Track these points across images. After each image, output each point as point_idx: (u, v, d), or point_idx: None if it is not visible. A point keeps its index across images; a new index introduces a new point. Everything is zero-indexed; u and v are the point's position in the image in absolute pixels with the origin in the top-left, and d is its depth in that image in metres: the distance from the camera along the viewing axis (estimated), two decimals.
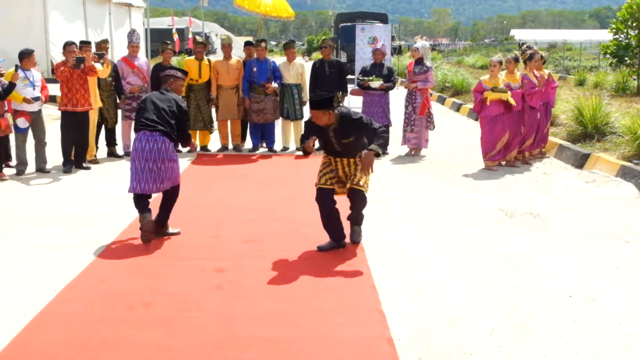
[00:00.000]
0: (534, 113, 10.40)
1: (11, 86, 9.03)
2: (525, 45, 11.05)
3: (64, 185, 9.06)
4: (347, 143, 6.10)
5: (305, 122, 6.43)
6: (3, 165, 9.48)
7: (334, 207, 6.24)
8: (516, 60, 10.33)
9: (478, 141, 10.35)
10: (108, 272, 5.65)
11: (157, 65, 11.27)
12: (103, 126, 10.88)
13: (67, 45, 9.73)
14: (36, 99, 9.40)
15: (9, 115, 9.18)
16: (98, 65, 10.05)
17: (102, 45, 10.79)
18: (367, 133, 6.03)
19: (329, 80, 11.37)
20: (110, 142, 11.11)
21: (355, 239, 6.45)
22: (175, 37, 37.06)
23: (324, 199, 6.20)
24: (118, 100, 10.92)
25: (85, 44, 10.07)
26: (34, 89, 9.43)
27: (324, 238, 6.41)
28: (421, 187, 8.98)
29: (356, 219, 6.41)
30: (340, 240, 6.32)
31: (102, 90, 10.46)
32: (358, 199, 6.22)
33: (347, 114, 6.05)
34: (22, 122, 9.36)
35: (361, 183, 6.15)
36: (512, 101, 9.75)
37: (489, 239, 6.64)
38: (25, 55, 9.47)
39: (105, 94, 10.59)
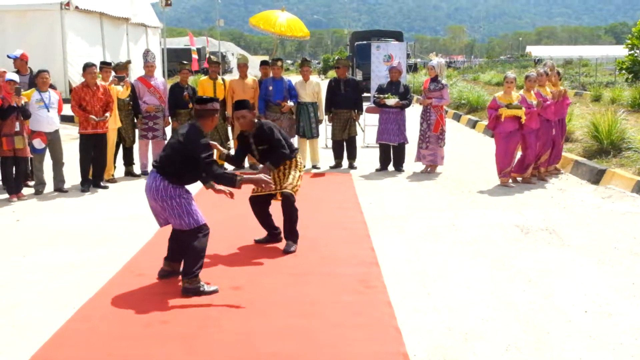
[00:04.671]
0: (549, 129, 10.39)
1: (10, 109, 8.97)
2: (542, 63, 11.10)
3: (81, 204, 9.15)
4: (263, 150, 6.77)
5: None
6: (22, 185, 9.59)
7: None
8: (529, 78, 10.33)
9: (493, 158, 10.35)
10: (126, 290, 5.69)
11: (174, 85, 11.39)
12: (121, 146, 10.99)
13: (87, 67, 9.71)
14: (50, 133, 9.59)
15: (18, 138, 9.11)
16: (118, 87, 10.17)
17: (126, 65, 10.89)
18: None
19: (344, 99, 11.45)
20: (128, 161, 11.21)
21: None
22: (195, 55, 37.40)
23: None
24: (135, 120, 11.03)
25: (105, 64, 10.19)
26: (49, 110, 9.51)
27: (339, 256, 6.46)
28: (437, 204, 8.98)
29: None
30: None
31: (120, 110, 10.56)
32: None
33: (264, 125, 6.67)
34: (38, 143, 9.45)
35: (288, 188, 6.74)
36: (523, 118, 9.76)
37: (504, 255, 6.63)
38: (35, 76, 9.58)
39: (123, 114, 10.69)
